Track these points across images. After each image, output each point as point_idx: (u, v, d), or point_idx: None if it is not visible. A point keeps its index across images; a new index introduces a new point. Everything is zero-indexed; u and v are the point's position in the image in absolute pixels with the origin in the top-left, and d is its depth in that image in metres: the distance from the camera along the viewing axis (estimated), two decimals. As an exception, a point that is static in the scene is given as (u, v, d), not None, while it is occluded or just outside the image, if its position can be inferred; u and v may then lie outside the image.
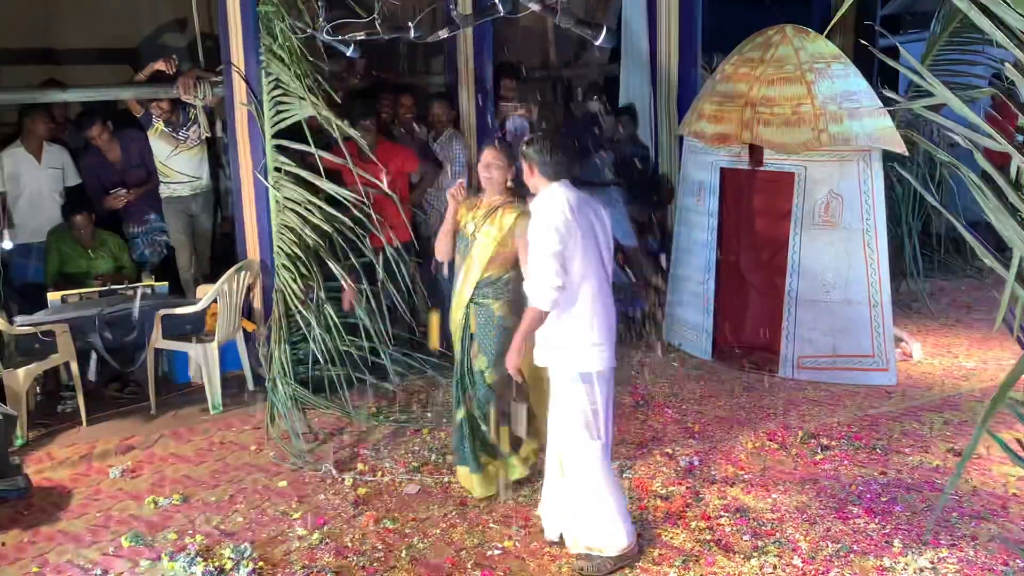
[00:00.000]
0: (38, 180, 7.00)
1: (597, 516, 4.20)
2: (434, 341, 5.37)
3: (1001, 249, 2.89)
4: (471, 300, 4.78)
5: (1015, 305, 2.36)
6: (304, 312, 6.05)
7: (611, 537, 4.21)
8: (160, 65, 6.80)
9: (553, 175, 4.18)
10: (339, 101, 6.04)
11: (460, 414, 4.90)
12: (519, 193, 4.68)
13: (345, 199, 5.90)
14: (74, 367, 6.06)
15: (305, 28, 5.85)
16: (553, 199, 4.13)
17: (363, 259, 6.04)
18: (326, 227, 6.06)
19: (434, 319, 5.35)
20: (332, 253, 6.08)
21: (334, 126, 5.84)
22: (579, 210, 4.12)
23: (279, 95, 6.18)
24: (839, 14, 2.43)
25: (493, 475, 4.95)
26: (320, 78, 6.04)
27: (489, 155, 4.71)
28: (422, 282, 7.25)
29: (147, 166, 7.24)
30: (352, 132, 5.90)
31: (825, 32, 6.18)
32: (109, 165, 7.23)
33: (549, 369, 4.27)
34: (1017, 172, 2.36)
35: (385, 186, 6.51)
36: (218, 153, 7.70)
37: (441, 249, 4.95)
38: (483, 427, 4.87)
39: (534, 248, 4.07)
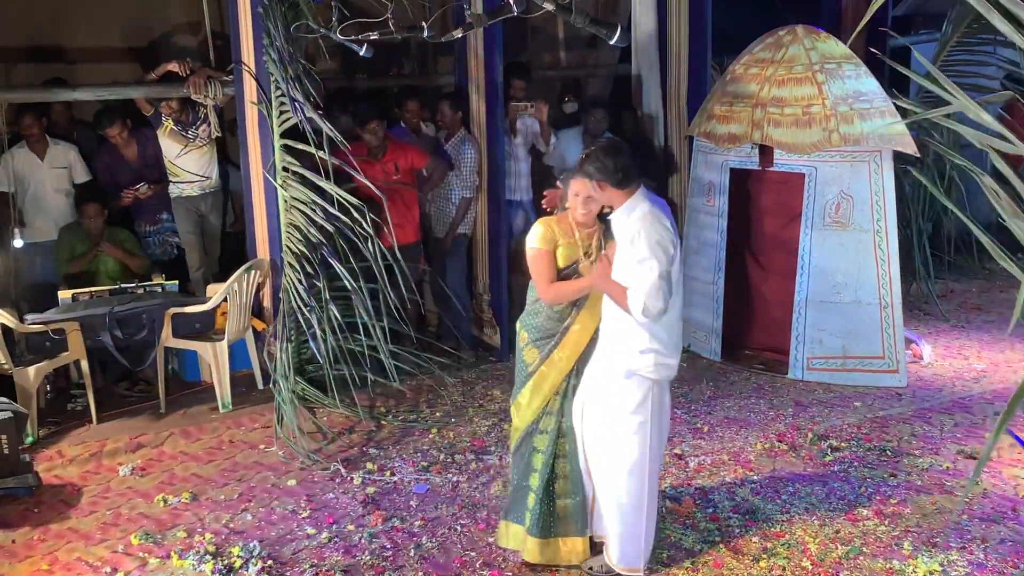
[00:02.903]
0: (41, 178, 7.01)
1: (623, 527, 4.08)
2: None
3: (1013, 250, 2.88)
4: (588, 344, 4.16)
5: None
6: (305, 312, 6.04)
7: (623, 555, 4.12)
8: (172, 66, 6.82)
9: (626, 182, 3.89)
10: (320, 105, 5.99)
11: (536, 480, 4.20)
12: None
13: (346, 200, 5.88)
14: (84, 365, 6.08)
15: (318, 28, 5.85)
16: (654, 210, 3.89)
17: (364, 263, 6.01)
18: (330, 227, 6.05)
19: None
20: (337, 253, 6.07)
21: (323, 129, 5.80)
22: (670, 220, 3.94)
23: (280, 95, 6.19)
24: (864, 19, 2.37)
25: (555, 549, 4.27)
26: (308, 80, 6.00)
27: (585, 187, 3.99)
28: (430, 282, 7.28)
29: (161, 165, 7.26)
30: (337, 136, 5.86)
31: (848, 42, 6.12)
32: (124, 163, 7.25)
33: (606, 376, 4.03)
34: None
35: (393, 184, 6.54)
36: (228, 152, 7.71)
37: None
38: (576, 492, 4.21)
39: (643, 264, 3.78)
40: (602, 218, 4.16)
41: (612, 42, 4.58)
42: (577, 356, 4.14)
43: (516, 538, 4.31)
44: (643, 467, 4.02)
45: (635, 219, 3.87)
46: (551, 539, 4.23)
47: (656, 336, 3.90)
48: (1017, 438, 2.45)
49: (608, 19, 9.40)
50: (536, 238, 4.12)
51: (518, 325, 4.30)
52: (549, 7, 4.58)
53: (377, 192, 5.99)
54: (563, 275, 4.10)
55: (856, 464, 5.31)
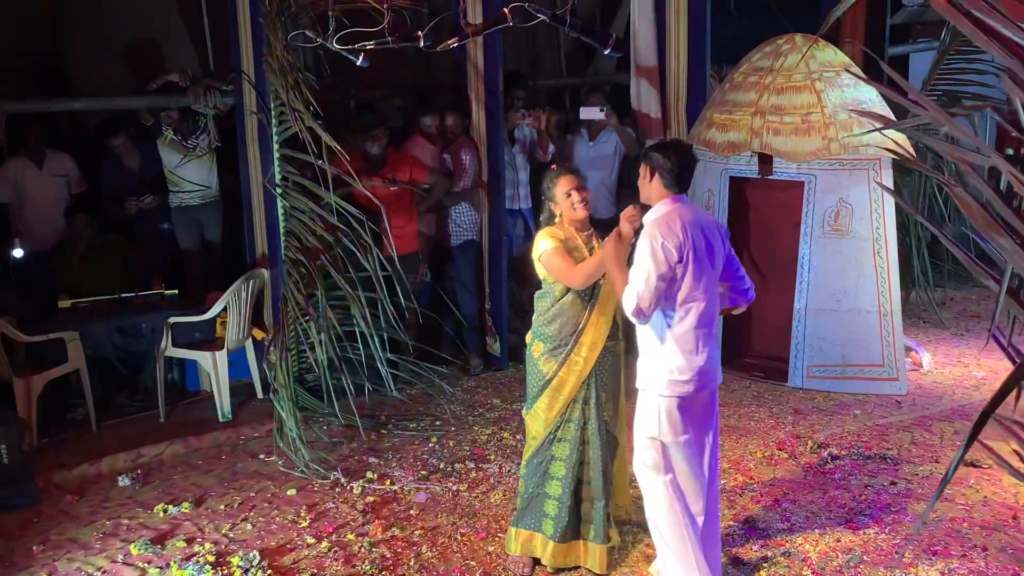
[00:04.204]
0: (41, 187, 7.01)
1: (670, 553, 3.98)
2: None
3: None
4: (603, 347, 4.23)
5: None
6: (303, 321, 6.03)
7: (666, 570, 4.03)
8: (173, 77, 6.84)
9: (674, 186, 3.89)
10: (321, 114, 5.97)
11: (557, 488, 4.26)
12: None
13: (346, 210, 5.88)
14: (84, 375, 6.07)
15: (315, 37, 5.85)
16: (671, 215, 3.86)
17: (363, 273, 6.01)
18: (329, 237, 6.06)
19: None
20: (336, 262, 6.06)
21: (323, 140, 5.80)
22: (696, 230, 3.84)
23: (279, 105, 6.20)
24: (830, 18, 2.34)
25: (575, 553, 4.34)
26: (304, 89, 5.98)
27: (575, 181, 4.23)
28: (429, 292, 7.26)
29: (164, 175, 7.27)
30: (336, 146, 5.85)
31: (851, 47, 6.06)
32: (126, 172, 7.26)
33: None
34: (1008, 186, 2.33)
35: (392, 195, 6.53)
36: (228, 161, 7.71)
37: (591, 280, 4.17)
38: (597, 495, 4.26)
39: (638, 266, 3.77)
40: (593, 223, 4.33)
41: (606, 53, 4.60)
42: (595, 358, 4.19)
43: (526, 544, 4.35)
44: (662, 482, 3.94)
45: (649, 221, 3.90)
46: (573, 543, 4.30)
47: (665, 350, 3.86)
48: (1001, 459, 2.43)
49: (606, 28, 9.42)
50: (545, 240, 4.20)
51: (529, 337, 4.34)
52: (544, 17, 4.61)
53: (376, 201, 5.99)
54: None
55: (856, 472, 5.31)
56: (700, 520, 3.99)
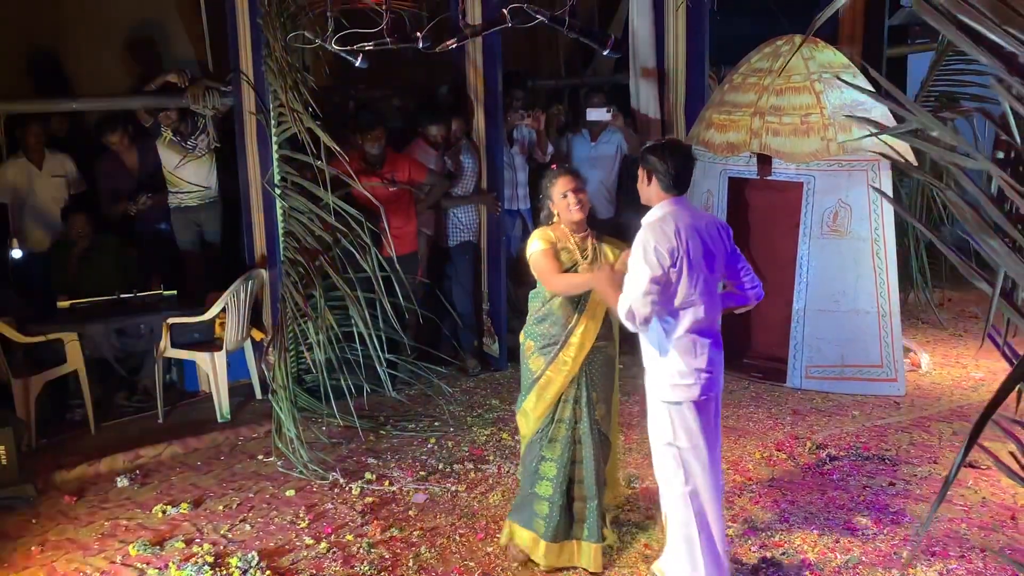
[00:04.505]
0: (40, 188, 7.00)
1: (680, 557, 3.99)
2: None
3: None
4: (592, 347, 4.24)
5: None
6: (301, 322, 6.03)
7: None
8: (172, 77, 6.84)
9: (672, 188, 3.86)
10: (320, 115, 5.96)
11: (548, 488, 4.27)
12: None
13: (345, 210, 5.88)
14: (83, 375, 6.07)
15: (313, 38, 5.85)
16: (665, 218, 3.83)
17: (362, 274, 6.01)
18: (327, 237, 6.06)
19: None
20: (335, 262, 6.06)
21: (321, 140, 5.79)
22: (691, 233, 3.80)
23: (278, 105, 6.19)
24: (819, 20, 2.33)
25: (568, 553, 4.35)
26: (303, 90, 5.98)
27: (573, 183, 4.22)
28: (428, 293, 7.26)
29: (162, 174, 7.26)
30: (336, 147, 5.84)
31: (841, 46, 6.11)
32: (125, 172, 7.25)
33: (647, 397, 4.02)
34: (999, 190, 2.33)
35: (391, 196, 6.54)
36: (227, 162, 7.71)
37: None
38: (590, 494, 4.27)
39: (633, 270, 3.75)
40: (592, 223, 4.33)
41: (605, 54, 4.60)
42: (583, 359, 4.21)
43: (521, 539, 4.38)
44: (681, 492, 3.93)
45: (644, 224, 3.88)
46: (566, 543, 4.32)
47: (666, 355, 3.86)
48: (994, 455, 2.43)
49: (605, 29, 9.42)
50: (536, 242, 4.24)
51: (522, 336, 4.37)
52: (542, 19, 4.61)
53: (375, 202, 5.99)
54: None
55: (855, 473, 5.31)
56: (716, 529, 3.97)
